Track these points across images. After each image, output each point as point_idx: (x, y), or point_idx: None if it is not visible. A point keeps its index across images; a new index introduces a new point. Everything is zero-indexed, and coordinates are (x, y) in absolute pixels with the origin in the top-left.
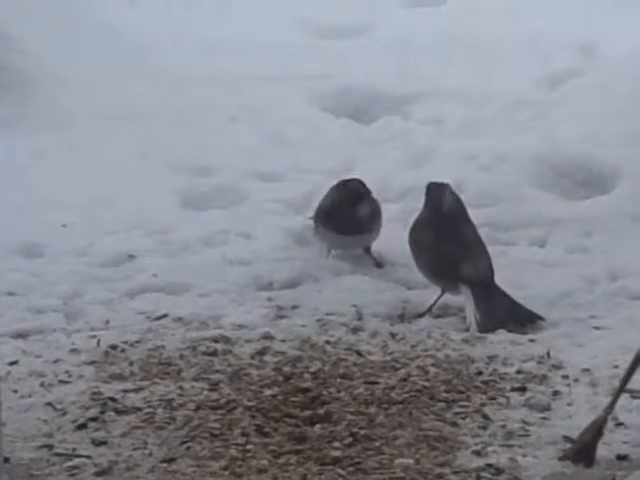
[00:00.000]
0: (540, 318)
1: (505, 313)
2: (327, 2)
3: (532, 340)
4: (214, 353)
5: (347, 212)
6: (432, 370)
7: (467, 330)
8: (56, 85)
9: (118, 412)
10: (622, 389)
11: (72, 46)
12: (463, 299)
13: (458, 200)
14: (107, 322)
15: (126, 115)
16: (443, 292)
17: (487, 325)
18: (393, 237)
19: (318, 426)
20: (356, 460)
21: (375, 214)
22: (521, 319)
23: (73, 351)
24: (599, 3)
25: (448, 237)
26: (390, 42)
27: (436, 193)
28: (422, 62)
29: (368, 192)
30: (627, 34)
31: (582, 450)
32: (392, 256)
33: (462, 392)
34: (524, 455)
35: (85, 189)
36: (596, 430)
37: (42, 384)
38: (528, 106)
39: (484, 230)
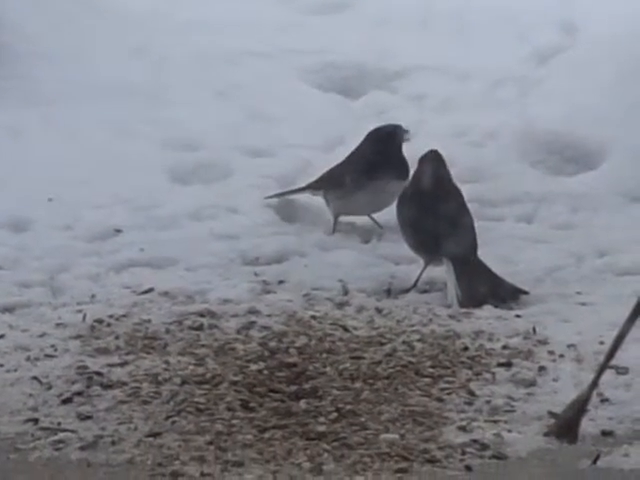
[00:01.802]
0: (523, 292)
1: (486, 289)
2: None
3: (518, 316)
4: (200, 327)
5: (396, 154)
6: (418, 345)
7: (449, 306)
8: (39, 60)
9: (104, 386)
10: (606, 365)
11: (55, 22)
12: (445, 274)
13: (447, 173)
14: (93, 296)
15: (110, 91)
16: (426, 265)
17: (468, 301)
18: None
19: (303, 401)
20: (341, 435)
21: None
22: (502, 295)
23: (59, 325)
24: None
25: (432, 211)
26: (374, 17)
27: (423, 166)
28: (406, 37)
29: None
30: (610, 11)
31: (565, 426)
32: (379, 230)
33: (448, 367)
34: (509, 431)
35: (70, 164)
36: (579, 406)
37: (28, 358)
38: (513, 82)
39: (471, 206)
